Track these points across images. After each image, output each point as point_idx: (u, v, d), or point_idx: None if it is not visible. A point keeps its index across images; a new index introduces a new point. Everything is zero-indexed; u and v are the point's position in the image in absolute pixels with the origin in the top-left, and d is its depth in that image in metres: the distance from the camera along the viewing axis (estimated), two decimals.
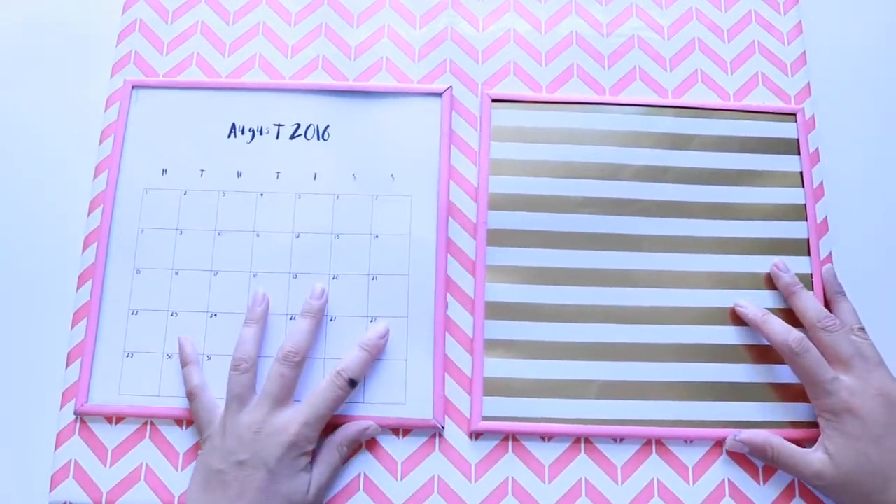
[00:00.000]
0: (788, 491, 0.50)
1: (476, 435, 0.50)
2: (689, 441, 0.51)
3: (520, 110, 0.56)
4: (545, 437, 0.50)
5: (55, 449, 0.50)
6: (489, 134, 0.55)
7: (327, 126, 0.56)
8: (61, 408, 0.51)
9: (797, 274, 0.53)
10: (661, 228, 0.54)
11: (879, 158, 0.58)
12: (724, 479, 0.50)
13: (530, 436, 0.50)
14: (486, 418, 0.50)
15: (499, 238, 0.53)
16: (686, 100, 0.57)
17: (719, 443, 0.50)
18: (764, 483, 0.50)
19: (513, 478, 0.50)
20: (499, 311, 0.52)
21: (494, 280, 0.53)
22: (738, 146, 0.55)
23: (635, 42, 0.59)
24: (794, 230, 0.54)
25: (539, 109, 0.56)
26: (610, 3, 0.60)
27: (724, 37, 0.59)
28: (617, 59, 0.58)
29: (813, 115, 0.57)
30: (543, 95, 0.57)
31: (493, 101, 0.56)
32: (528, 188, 0.54)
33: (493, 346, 0.51)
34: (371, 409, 0.50)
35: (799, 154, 0.55)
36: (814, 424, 0.49)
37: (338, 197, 0.54)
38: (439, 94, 0.56)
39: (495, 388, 0.51)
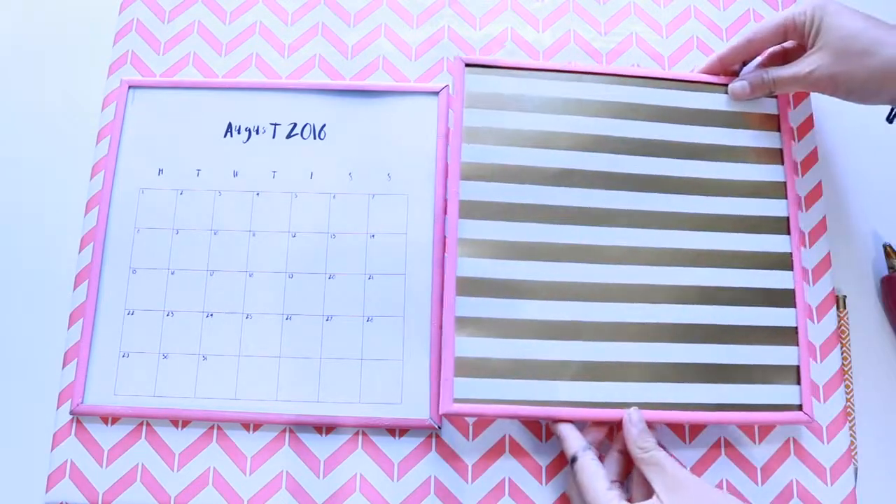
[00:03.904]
0: (786, 492, 0.49)
1: (466, 430, 0.50)
2: (688, 441, 0.50)
3: (495, 76, 0.54)
4: (541, 437, 0.50)
5: (51, 449, 0.50)
6: (462, 100, 0.53)
7: (324, 125, 0.56)
8: (57, 408, 0.51)
9: (777, 254, 0.52)
10: (638, 203, 0.52)
11: (874, 150, 0.58)
12: (722, 479, 0.50)
13: (525, 432, 0.50)
14: (457, 401, 0.48)
15: (471, 210, 0.51)
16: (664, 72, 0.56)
17: (717, 443, 0.50)
18: (762, 484, 0.49)
19: (509, 478, 0.49)
20: (470, 286, 0.50)
21: (466, 254, 0.50)
22: (718, 121, 0.54)
23: (633, 40, 0.59)
24: (772, 208, 0.53)
25: (515, 76, 0.54)
26: (608, 1, 0.60)
27: (722, 35, 0.59)
28: (615, 57, 0.58)
29: (811, 113, 0.57)
30: (519, 62, 0.55)
31: (467, 65, 0.54)
32: (501, 158, 0.52)
33: (465, 324, 0.49)
34: (367, 408, 0.50)
35: (779, 130, 0.54)
36: (797, 407, 0.49)
37: (334, 196, 0.54)
38: (436, 93, 0.56)
39: (467, 368, 0.48)
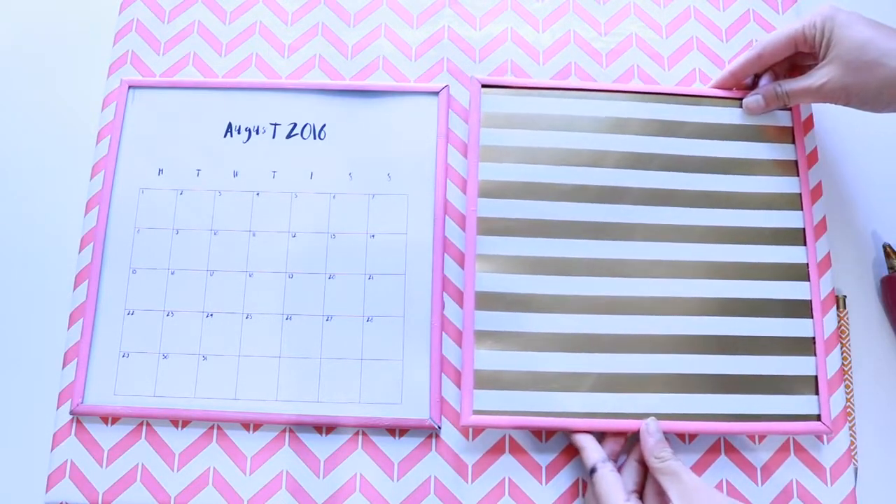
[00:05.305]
0: (786, 492, 0.49)
1: (467, 430, 0.50)
2: (688, 441, 0.50)
3: (511, 96, 0.55)
4: (541, 438, 0.50)
5: (51, 449, 0.50)
6: (479, 120, 0.54)
7: (324, 125, 0.56)
8: (58, 408, 0.51)
9: (793, 265, 0.52)
10: (654, 217, 0.53)
11: (874, 150, 0.58)
12: (722, 480, 0.50)
13: (525, 433, 0.50)
14: (477, 412, 0.49)
15: (489, 226, 0.52)
16: (678, 87, 0.57)
17: (717, 444, 0.50)
18: (762, 484, 0.49)
19: (509, 478, 0.49)
20: (489, 301, 0.51)
21: (484, 269, 0.51)
22: (732, 134, 0.55)
23: (633, 41, 0.59)
24: (789, 219, 0.53)
25: (530, 95, 0.55)
26: (608, 1, 0.60)
27: (722, 36, 0.59)
28: (615, 57, 0.58)
29: (811, 113, 0.57)
30: (534, 81, 0.56)
31: (484, 86, 0.55)
32: (518, 175, 0.53)
33: (484, 337, 0.50)
34: (367, 409, 0.50)
35: (794, 142, 0.55)
36: (815, 417, 0.49)
37: (334, 196, 0.54)
38: (436, 93, 0.56)
39: (486, 381, 0.50)
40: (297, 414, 0.50)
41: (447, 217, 0.54)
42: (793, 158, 0.54)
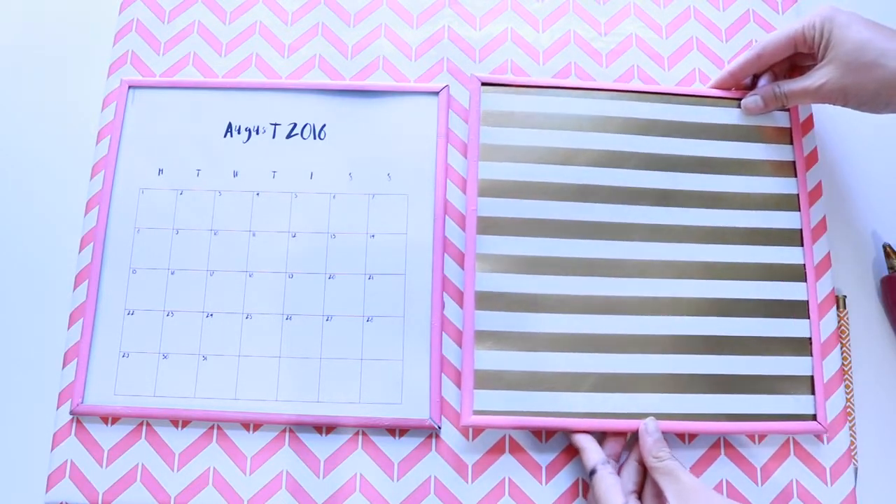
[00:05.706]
0: (786, 492, 0.49)
1: (467, 430, 0.50)
2: (688, 441, 0.50)
3: (511, 94, 0.55)
4: (541, 438, 0.50)
5: (51, 449, 0.50)
6: (479, 118, 0.54)
7: (324, 125, 0.56)
8: (57, 408, 0.51)
9: (790, 265, 0.52)
10: (653, 217, 0.53)
11: (874, 150, 0.58)
12: (722, 480, 0.50)
13: (525, 433, 0.50)
14: (477, 412, 0.49)
15: (489, 226, 0.52)
16: (678, 87, 0.57)
17: (716, 444, 0.50)
18: (762, 484, 0.49)
19: (509, 478, 0.49)
20: (489, 301, 0.51)
21: (484, 269, 0.52)
22: (731, 135, 0.55)
23: (633, 41, 0.59)
24: (788, 220, 0.53)
25: (530, 94, 0.55)
26: (608, 1, 0.60)
27: (722, 36, 0.59)
28: (615, 57, 0.58)
29: (811, 113, 0.57)
30: (534, 80, 0.56)
31: (484, 84, 0.55)
32: (519, 174, 0.53)
33: (484, 337, 0.50)
34: (367, 408, 0.50)
35: (792, 143, 0.55)
36: (811, 417, 0.49)
37: (334, 196, 0.54)
38: (436, 93, 0.56)
39: (486, 381, 0.50)
40: (297, 414, 0.50)
41: (447, 217, 0.54)
42: (790, 159, 0.54)
